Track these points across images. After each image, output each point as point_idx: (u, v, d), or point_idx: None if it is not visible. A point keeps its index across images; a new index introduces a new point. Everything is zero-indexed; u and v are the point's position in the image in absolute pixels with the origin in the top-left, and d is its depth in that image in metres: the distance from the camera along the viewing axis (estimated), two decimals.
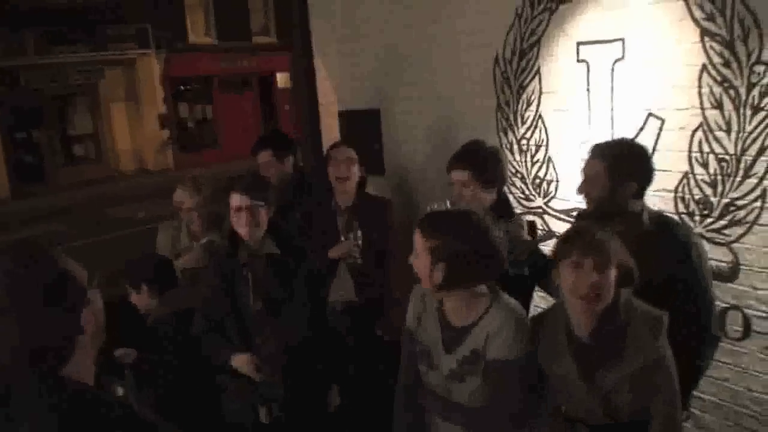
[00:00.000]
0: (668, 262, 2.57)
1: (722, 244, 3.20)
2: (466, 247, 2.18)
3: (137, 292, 3.49)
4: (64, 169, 19.85)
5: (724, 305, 3.23)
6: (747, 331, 3.18)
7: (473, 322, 2.28)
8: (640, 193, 2.75)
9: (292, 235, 3.36)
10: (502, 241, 2.30)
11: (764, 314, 3.11)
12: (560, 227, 3.85)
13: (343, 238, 3.76)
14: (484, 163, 3.19)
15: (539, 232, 3.00)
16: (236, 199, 3.06)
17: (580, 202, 3.65)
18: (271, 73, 24.42)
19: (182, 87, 22.67)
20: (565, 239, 2.25)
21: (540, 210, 4.06)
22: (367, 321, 3.85)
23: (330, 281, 3.80)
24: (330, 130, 5.44)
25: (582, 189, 2.86)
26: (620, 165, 2.71)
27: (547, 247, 3.93)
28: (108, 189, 18.18)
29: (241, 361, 3.03)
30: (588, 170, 2.81)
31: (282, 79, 24.36)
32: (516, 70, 3.99)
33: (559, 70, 3.77)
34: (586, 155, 2.86)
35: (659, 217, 2.82)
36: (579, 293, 2.15)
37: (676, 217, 3.26)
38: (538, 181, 4.04)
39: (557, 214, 3.96)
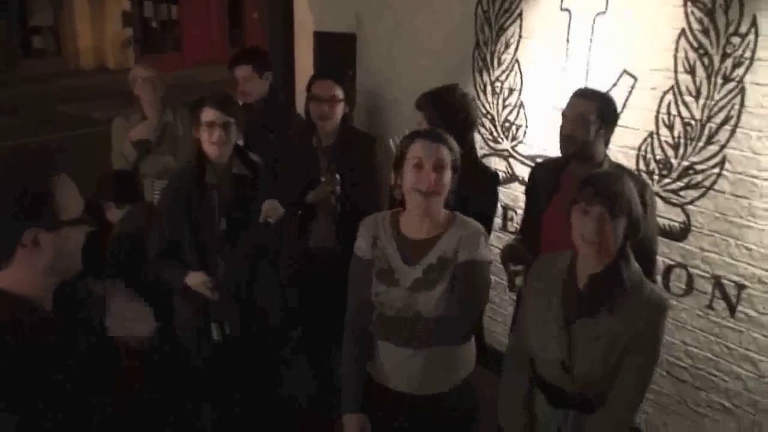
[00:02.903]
0: None
1: (676, 205, 3.32)
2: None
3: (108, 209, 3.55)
4: (22, 61, 19.08)
5: (670, 262, 3.38)
6: (689, 288, 3.35)
7: (437, 234, 2.36)
8: (606, 143, 2.91)
9: (262, 158, 3.32)
10: None
11: (707, 275, 3.27)
12: (524, 171, 3.93)
13: (323, 179, 3.47)
14: (446, 112, 3.11)
15: None
16: (209, 114, 3.00)
17: (545, 150, 3.74)
18: None
19: None
20: (581, 183, 2.20)
21: (506, 153, 4.12)
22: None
23: (311, 226, 3.61)
24: (304, 51, 5.36)
25: (567, 129, 2.87)
26: (608, 109, 2.85)
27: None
28: (65, 84, 17.58)
29: (195, 279, 3.05)
30: (576, 109, 2.84)
31: None
32: (498, 10, 3.97)
33: (541, 16, 3.76)
34: (571, 96, 2.91)
35: (618, 168, 2.93)
36: (584, 239, 2.15)
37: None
38: (507, 124, 4.09)
39: (523, 159, 4.03)
